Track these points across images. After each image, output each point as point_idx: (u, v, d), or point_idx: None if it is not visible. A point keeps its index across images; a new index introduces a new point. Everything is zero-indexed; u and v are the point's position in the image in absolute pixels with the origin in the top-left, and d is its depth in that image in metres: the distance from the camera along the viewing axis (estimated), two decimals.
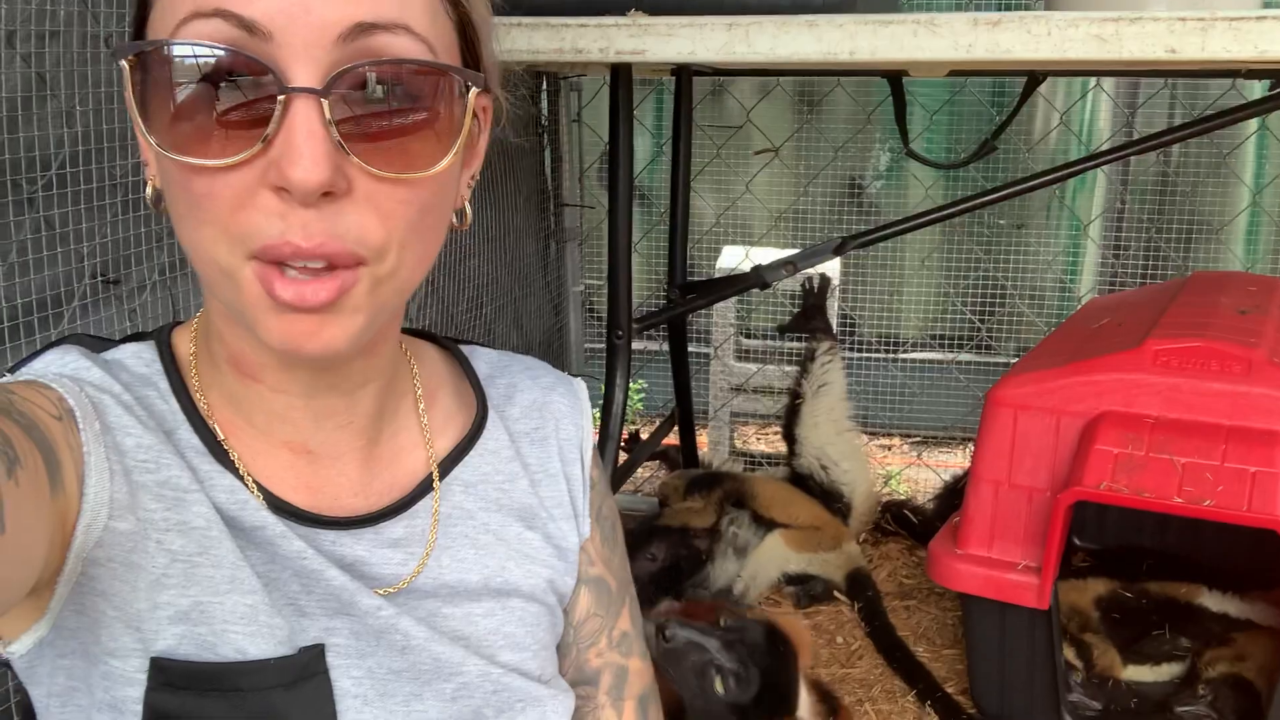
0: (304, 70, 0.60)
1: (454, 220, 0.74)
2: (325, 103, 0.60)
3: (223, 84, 0.61)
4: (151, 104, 0.62)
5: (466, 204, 0.75)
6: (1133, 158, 2.84)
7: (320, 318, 0.64)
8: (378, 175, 0.63)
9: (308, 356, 0.65)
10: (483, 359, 0.90)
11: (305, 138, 0.60)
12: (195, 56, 0.61)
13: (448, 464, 0.82)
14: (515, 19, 1.46)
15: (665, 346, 2.61)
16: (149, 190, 0.71)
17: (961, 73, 2.27)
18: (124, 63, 0.62)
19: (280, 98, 0.60)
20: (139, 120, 0.63)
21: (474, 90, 0.67)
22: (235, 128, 0.61)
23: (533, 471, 0.86)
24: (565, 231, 2.79)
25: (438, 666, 0.76)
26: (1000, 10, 1.82)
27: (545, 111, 2.69)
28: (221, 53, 0.60)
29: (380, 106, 0.63)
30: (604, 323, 1.83)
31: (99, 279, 1.24)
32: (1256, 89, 2.55)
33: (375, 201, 0.63)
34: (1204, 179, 2.91)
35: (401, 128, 0.64)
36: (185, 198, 0.63)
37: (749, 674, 1.57)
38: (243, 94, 0.61)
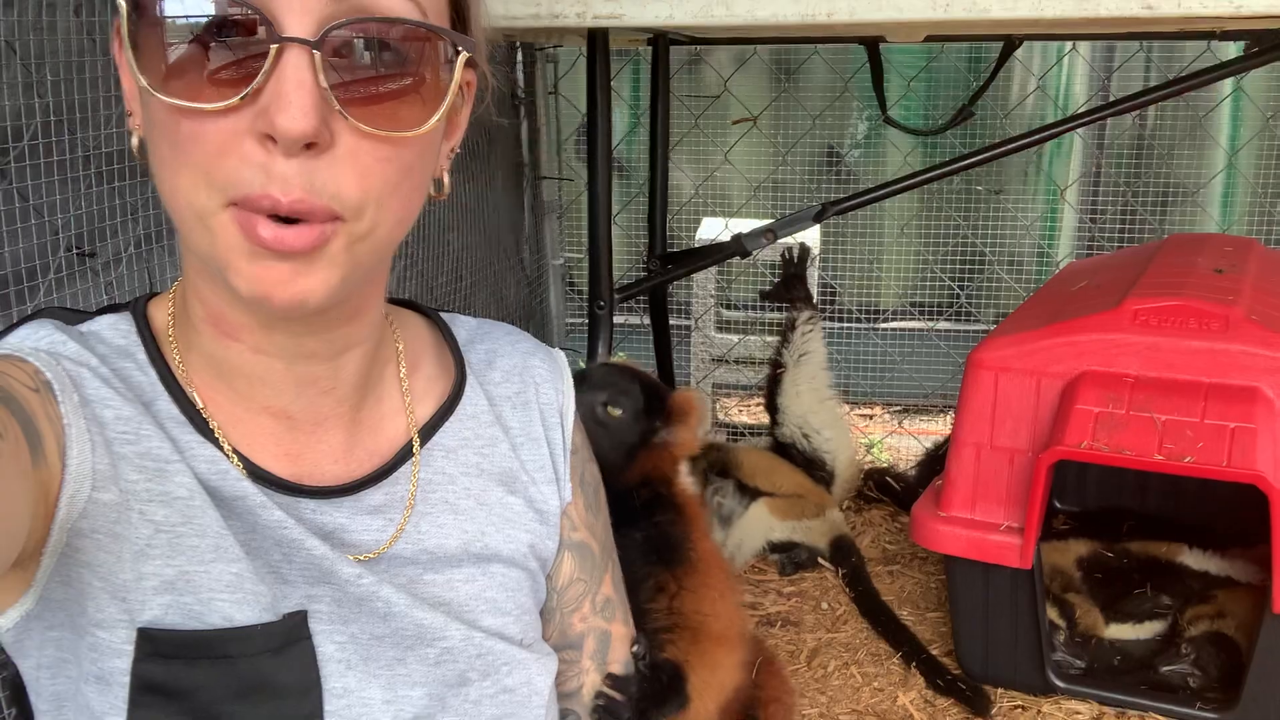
0: (297, 22, 0.61)
1: (431, 190, 0.74)
2: (317, 54, 0.61)
3: (217, 32, 0.61)
4: (145, 46, 0.62)
5: (445, 174, 0.76)
6: (1109, 122, 2.85)
7: (294, 266, 0.64)
8: (362, 131, 0.63)
9: (279, 306, 0.65)
10: (463, 326, 0.90)
11: (295, 87, 0.60)
12: (195, 4, 0.61)
13: (428, 430, 0.82)
14: None
15: (645, 320, 2.60)
16: (134, 140, 0.70)
17: (938, 38, 2.27)
18: (121, 2, 0.62)
19: (273, 47, 0.60)
20: (131, 61, 0.62)
21: (462, 55, 0.67)
22: (227, 75, 0.61)
23: (514, 435, 0.86)
24: (544, 204, 2.77)
25: (420, 632, 0.76)
26: None
27: (522, 83, 2.67)
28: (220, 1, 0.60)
29: (369, 63, 0.63)
30: (584, 296, 1.82)
31: (74, 251, 1.22)
32: (1231, 51, 2.55)
33: (356, 158, 0.63)
34: (1180, 142, 2.92)
35: (389, 87, 0.64)
36: (169, 140, 0.63)
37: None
38: (236, 42, 0.61)
